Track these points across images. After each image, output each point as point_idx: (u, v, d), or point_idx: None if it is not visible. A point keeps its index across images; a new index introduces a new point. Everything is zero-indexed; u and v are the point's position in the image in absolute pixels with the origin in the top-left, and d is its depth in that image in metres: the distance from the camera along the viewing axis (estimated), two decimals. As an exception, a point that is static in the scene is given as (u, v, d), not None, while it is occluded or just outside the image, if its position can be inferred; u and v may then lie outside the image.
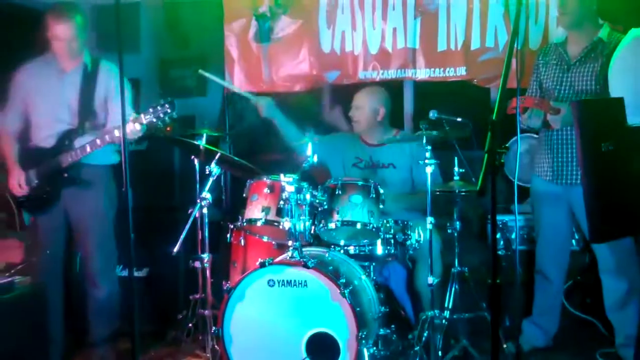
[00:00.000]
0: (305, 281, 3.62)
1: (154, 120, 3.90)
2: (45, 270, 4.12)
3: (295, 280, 3.63)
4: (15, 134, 4.23)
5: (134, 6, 5.99)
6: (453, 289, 4.11)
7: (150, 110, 3.91)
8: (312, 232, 3.98)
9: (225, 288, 3.88)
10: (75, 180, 4.10)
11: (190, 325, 4.31)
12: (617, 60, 3.54)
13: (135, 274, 4.79)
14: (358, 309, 3.58)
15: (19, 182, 4.09)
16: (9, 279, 3.35)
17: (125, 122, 3.19)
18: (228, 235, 4.38)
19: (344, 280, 3.64)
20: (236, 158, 4.38)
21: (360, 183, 4.00)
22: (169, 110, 3.91)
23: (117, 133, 3.96)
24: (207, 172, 4.17)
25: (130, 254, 2.99)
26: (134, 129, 3.97)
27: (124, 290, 4.41)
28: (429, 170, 3.96)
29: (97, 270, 4.22)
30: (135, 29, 6.04)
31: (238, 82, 5.44)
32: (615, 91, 3.47)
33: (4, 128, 4.22)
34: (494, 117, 2.65)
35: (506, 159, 2.76)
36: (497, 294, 2.61)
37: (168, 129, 4.70)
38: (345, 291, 3.53)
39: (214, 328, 3.82)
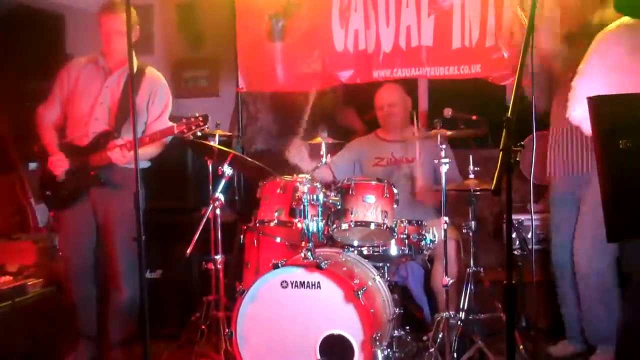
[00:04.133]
0: (319, 282, 3.58)
1: (185, 131, 3.89)
2: (74, 266, 4.13)
3: (308, 282, 3.59)
4: (55, 126, 4.26)
5: (147, 8, 5.98)
6: (468, 289, 4.06)
7: (184, 121, 3.90)
8: (325, 232, 3.94)
9: (238, 289, 3.86)
10: (101, 180, 4.11)
11: (203, 326, 4.28)
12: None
13: (149, 275, 4.79)
14: (372, 310, 3.54)
15: (58, 159, 4.09)
16: (22, 282, 3.33)
17: (136, 121, 3.17)
18: (241, 236, 4.35)
19: (357, 281, 3.59)
20: (249, 159, 4.34)
21: (373, 182, 3.96)
22: (201, 124, 3.90)
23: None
24: (220, 173, 4.14)
25: (141, 255, 2.98)
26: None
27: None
28: (444, 168, 3.92)
29: (121, 273, 4.20)
30: (149, 30, 6.03)
31: (251, 81, 5.40)
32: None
33: (46, 118, 4.25)
34: (509, 115, 2.61)
35: (522, 157, 2.71)
36: (512, 294, 2.56)
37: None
38: (359, 292, 3.49)
39: (227, 330, 3.80)
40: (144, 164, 4.30)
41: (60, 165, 4.10)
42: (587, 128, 3.35)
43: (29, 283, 3.38)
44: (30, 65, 4.88)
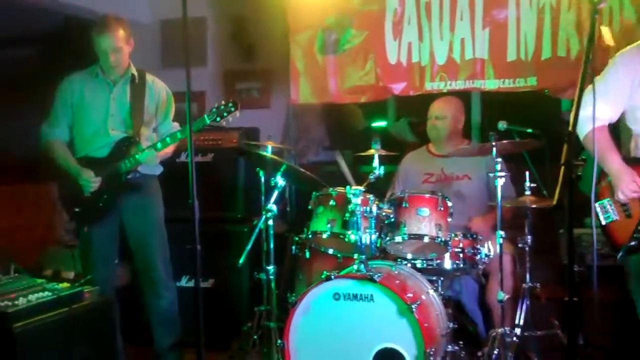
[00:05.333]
0: (372, 295, 3.56)
1: (217, 119, 3.97)
2: (101, 280, 4.14)
3: (361, 294, 3.57)
4: (65, 143, 4.26)
5: (200, 20, 6.05)
6: (524, 305, 3.99)
7: (214, 110, 3.98)
8: (378, 245, 3.92)
9: (290, 300, 3.86)
10: (135, 186, 4.15)
11: (255, 337, 4.29)
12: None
13: (201, 285, 4.81)
14: (426, 324, 3.50)
15: (89, 177, 4.09)
16: (79, 289, 3.37)
17: (191, 132, 3.20)
18: (293, 247, 4.35)
19: (411, 295, 3.57)
20: (302, 170, 4.35)
21: (427, 195, 3.92)
22: (232, 109, 3.97)
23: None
24: (273, 184, 4.15)
25: (196, 265, 2.99)
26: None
27: (189, 301, 4.44)
28: (500, 182, 3.86)
29: (159, 280, 4.26)
30: (202, 42, 6.10)
31: (304, 93, 5.42)
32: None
33: (57, 139, 4.24)
34: (570, 128, 2.56)
35: (584, 172, 2.66)
36: (574, 311, 2.50)
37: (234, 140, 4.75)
38: (413, 306, 3.45)
39: (279, 341, 3.79)
40: (159, 169, 4.36)
41: (94, 183, 4.10)
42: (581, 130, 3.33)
43: (85, 290, 3.40)
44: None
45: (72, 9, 5.29)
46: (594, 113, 2.85)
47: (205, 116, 3.98)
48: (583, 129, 3.34)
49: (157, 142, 4.09)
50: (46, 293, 3.25)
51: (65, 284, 3.43)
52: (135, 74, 4.26)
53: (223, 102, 3.98)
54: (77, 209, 4.19)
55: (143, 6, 6.04)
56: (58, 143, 4.23)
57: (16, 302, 3.08)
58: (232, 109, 3.97)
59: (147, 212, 4.27)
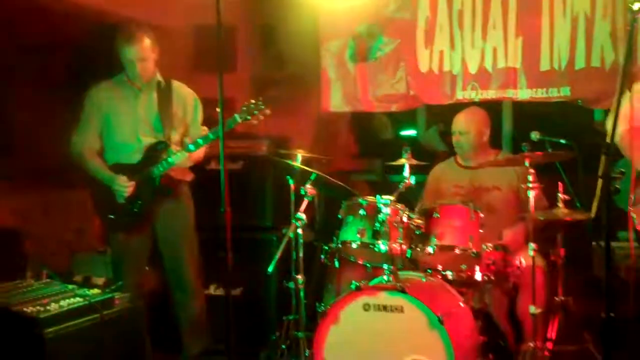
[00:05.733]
0: (402, 307, 3.52)
1: (248, 117, 3.99)
2: (132, 286, 4.15)
3: (391, 306, 3.54)
4: (96, 151, 4.26)
5: (231, 27, 6.06)
6: (556, 319, 3.93)
7: (244, 108, 4.01)
8: (408, 255, 3.88)
9: (319, 310, 3.84)
10: (168, 190, 4.16)
11: (283, 346, 4.27)
12: None
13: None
14: (456, 337, 3.46)
15: (122, 182, 4.10)
16: (109, 295, 3.37)
17: (223, 139, 3.21)
18: (321, 256, 4.33)
19: (441, 307, 3.52)
20: (332, 179, 4.33)
21: (459, 206, 3.88)
22: (261, 107, 4.01)
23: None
24: (302, 193, 4.14)
25: (227, 273, 2.99)
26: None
27: (217, 309, 4.45)
28: (532, 194, 3.81)
29: (189, 287, 4.27)
30: (232, 50, 6.11)
31: (334, 102, 5.41)
32: None
33: (88, 148, 4.24)
34: (608, 140, 2.52)
35: (622, 186, 2.61)
36: (611, 327, 2.46)
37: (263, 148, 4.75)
38: (443, 318, 3.42)
39: (307, 350, 3.77)
40: (189, 176, 4.37)
41: (127, 188, 4.11)
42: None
43: (116, 296, 3.40)
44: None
45: (105, 15, 5.32)
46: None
47: (236, 115, 3.99)
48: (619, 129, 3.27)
49: (189, 144, 4.10)
50: (77, 299, 3.26)
51: (96, 290, 3.44)
52: (162, 80, 4.28)
53: (253, 101, 3.99)
54: (111, 216, 4.21)
55: (177, 11, 6.06)
56: (89, 152, 4.24)
57: (48, 308, 3.10)
58: (262, 106, 3.99)
59: (179, 218, 4.28)
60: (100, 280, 4.79)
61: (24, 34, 5.18)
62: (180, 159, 4.10)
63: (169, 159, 4.10)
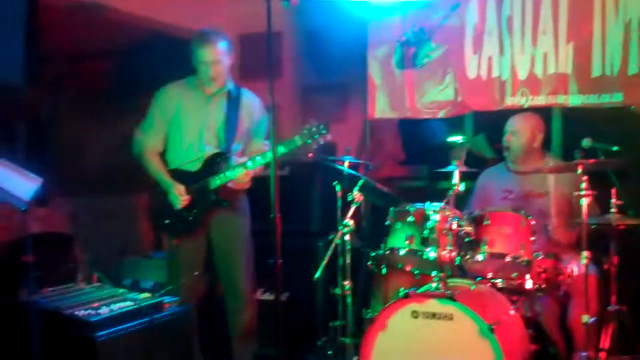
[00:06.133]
0: (452, 314, 3.49)
1: (308, 141, 3.94)
2: (184, 291, 4.15)
3: (440, 313, 3.51)
4: (157, 152, 4.27)
5: (276, 34, 6.07)
6: (609, 328, 3.85)
7: (305, 131, 3.95)
8: (457, 263, 3.84)
9: (367, 317, 3.82)
10: (224, 202, 4.14)
11: (330, 352, 4.26)
12: None
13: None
14: (507, 345, 3.40)
15: (179, 193, 4.10)
16: (159, 299, 3.40)
17: (275, 146, 3.21)
18: (369, 263, 4.30)
19: (492, 315, 3.48)
20: (379, 185, 4.30)
21: (510, 213, 3.83)
22: (323, 131, 3.96)
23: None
24: (350, 199, 4.12)
25: (276, 279, 2.99)
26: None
27: (264, 314, 4.46)
28: (585, 201, 3.74)
29: (242, 295, 4.26)
30: (277, 56, 6.13)
31: (380, 108, 5.39)
32: None
33: (150, 148, 4.26)
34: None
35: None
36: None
37: (310, 155, 4.74)
38: (493, 326, 3.37)
39: (354, 357, 3.75)
40: (248, 184, 4.33)
41: (184, 199, 4.11)
42: None
43: (165, 301, 3.42)
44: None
45: (155, 23, 5.39)
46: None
47: (297, 137, 3.96)
48: None
49: (247, 161, 4.08)
50: (127, 302, 3.29)
51: (146, 294, 3.47)
52: (233, 88, 4.27)
53: (315, 124, 3.94)
54: (166, 221, 4.21)
55: (222, 21, 6.11)
56: (152, 153, 4.25)
57: (99, 311, 3.13)
58: (324, 131, 3.95)
59: (234, 227, 4.28)
60: (147, 284, 4.87)
61: (72, 42, 5.27)
62: (238, 175, 4.08)
63: (227, 173, 4.09)
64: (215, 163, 4.15)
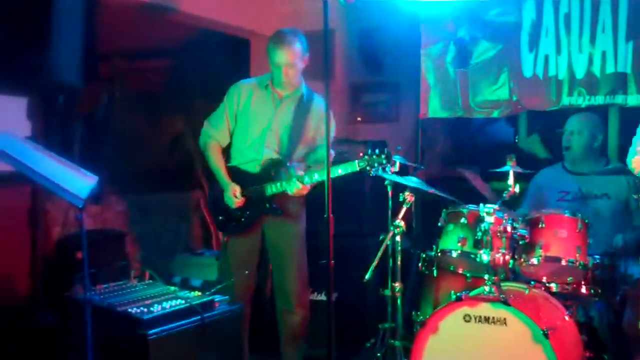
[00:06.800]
0: (505, 319, 3.42)
1: (367, 168, 3.84)
2: (238, 288, 4.12)
3: (493, 317, 3.44)
4: (221, 147, 4.24)
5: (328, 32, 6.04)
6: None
7: (366, 158, 3.82)
8: (510, 266, 3.77)
9: (416, 319, 3.77)
10: (277, 211, 4.09)
11: (379, 354, 4.22)
12: None
13: (324, 298, 4.80)
14: (561, 351, 3.32)
15: (234, 194, 4.07)
16: (210, 298, 3.40)
17: (329, 147, 3.17)
18: (419, 264, 4.25)
19: (546, 320, 3.40)
20: (431, 187, 4.24)
21: (566, 216, 3.74)
22: (384, 163, 3.79)
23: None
24: (401, 200, 4.07)
25: (329, 280, 2.98)
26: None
27: (317, 314, 4.46)
28: (645, 204, 3.65)
29: (294, 297, 4.22)
30: (329, 54, 6.10)
31: (433, 107, 5.34)
32: None
33: (216, 142, 4.22)
34: None
35: None
36: None
37: (360, 154, 4.70)
38: (548, 332, 3.29)
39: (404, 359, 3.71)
40: (307, 190, 4.23)
41: (237, 199, 4.06)
42: None
43: (216, 299, 3.43)
44: (217, 88, 5.08)
45: (210, 22, 5.41)
46: None
47: (356, 162, 3.84)
48: None
49: (304, 176, 3.97)
50: (179, 301, 3.29)
51: (197, 293, 3.47)
52: (305, 93, 4.18)
53: (377, 152, 3.80)
54: (221, 218, 4.21)
55: (274, 20, 6.11)
56: (216, 146, 4.22)
57: (151, 309, 3.14)
58: (384, 161, 3.79)
59: (289, 232, 4.21)
60: (197, 282, 4.89)
61: (128, 40, 5.32)
62: (296, 189, 3.98)
63: (284, 183, 4.00)
64: (274, 170, 4.09)
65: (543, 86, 4.93)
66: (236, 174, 4.15)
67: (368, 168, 3.80)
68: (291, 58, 3.97)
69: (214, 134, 4.21)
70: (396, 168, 3.99)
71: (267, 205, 4.07)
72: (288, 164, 4.11)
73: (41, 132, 3.32)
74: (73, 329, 3.00)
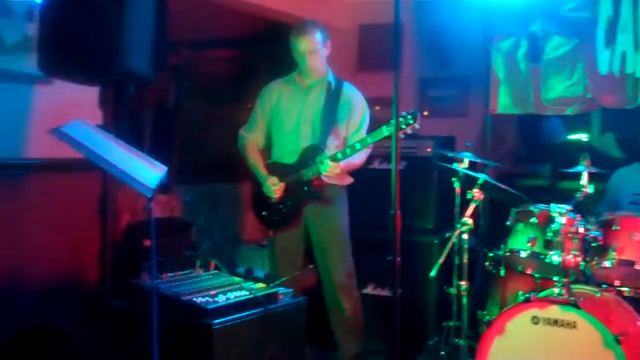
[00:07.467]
0: (575, 322, 3.33)
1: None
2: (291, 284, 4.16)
3: (563, 320, 3.36)
4: (259, 147, 4.36)
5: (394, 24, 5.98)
6: None
7: (393, 122, 3.81)
8: (582, 268, 3.66)
9: (482, 319, 3.70)
10: (315, 195, 4.14)
11: (442, 353, 4.16)
12: None
13: (386, 293, 4.77)
14: (633, 358, 3.22)
15: (273, 184, 4.16)
16: (273, 290, 3.40)
17: (396, 137, 3.14)
18: (486, 263, 4.17)
19: (618, 325, 3.30)
20: (501, 184, 4.15)
21: (643, 218, 3.62)
22: (410, 122, 3.83)
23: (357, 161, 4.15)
24: (469, 197, 4.00)
25: (395, 276, 2.95)
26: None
27: (374, 308, 4.42)
28: None
29: (340, 290, 4.23)
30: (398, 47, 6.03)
31: (503, 103, 5.23)
32: None
33: (250, 140, 4.35)
34: None
35: None
36: None
37: (428, 149, 4.65)
38: (620, 337, 3.19)
39: (469, 359, 3.65)
40: (347, 180, 4.31)
41: (276, 189, 4.15)
42: None
43: (280, 291, 3.42)
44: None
45: (272, 12, 5.42)
46: None
47: (384, 128, 3.88)
48: None
49: (337, 152, 4.05)
50: (243, 292, 3.30)
51: (261, 284, 3.48)
52: (332, 81, 4.26)
53: (403, 113, 3.83)
54: (264, 213, 4.29)
55: (342, 11, 6.08)
56: (252, 147, 4.35)
57: (216, 299, 3.15)
58: (411, 121, 3.83)
59: (330, 221, 4.25)
60: (260, 274, 4.91)
61: (196, 30, 5.36)
62: (329, 167, 4.02)
63: (320, 165, 4.06)
64: (310, 155, 4.15)
65: (619, 84, 4.79)
66: (276, 168, 4.25)
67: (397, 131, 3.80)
68: (312, 45, 4.10)
69: (249, 136, 4.37)
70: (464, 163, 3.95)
71: (306, 188, 4.14)
72: (323, 148, 4.14)
73: (112, 121, 3.36)
74: (139, 315, 3.03)
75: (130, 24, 3.13)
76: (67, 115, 2.85)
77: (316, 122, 4.21)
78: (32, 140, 3.75)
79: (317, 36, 4.12)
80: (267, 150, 4.39)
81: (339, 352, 4.34)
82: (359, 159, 4.20)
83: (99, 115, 3.39)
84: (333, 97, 4.23)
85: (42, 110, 3.77)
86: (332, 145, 4.19)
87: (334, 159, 4.02)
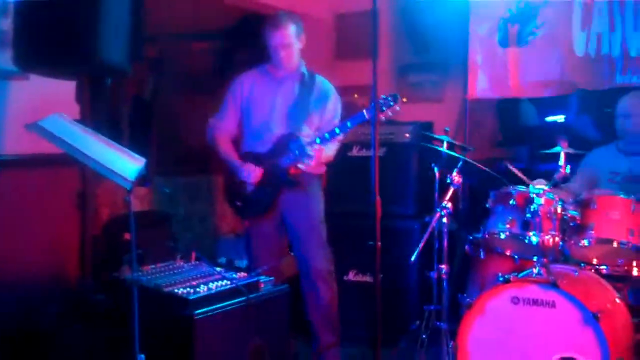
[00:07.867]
0: (554, 301, 3.35)
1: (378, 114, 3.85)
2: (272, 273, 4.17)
3: (542, 300, 3.38)
4: (231, 137, 4.34)
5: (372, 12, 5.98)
6: None
7: (373, 104, 3.84)
8: (560, 248, 3.69)
9: (462, 302, 3.72)
10: (292, 182, 4.14)
11: (424, 336, 4.18)
12: None
13: (367, 279, 4.79)
14: (612, 335, 3.25)
15: (249, 169, 4.15)
16: (255, 279, 3.41)
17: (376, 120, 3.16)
18: (466, 246, 4.20)
19: (596, 303, 3.33)
20: (481, 166, 4.17)
21: (620, 197, 3.65)
22: (391, 104, 3.86)
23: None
24: (448, 181, 4.02)
25: (376, 262, 2.96)
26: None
27: (354, 295, 4.42)
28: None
29: (317, 277, 4.24)
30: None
31: (481, 87, 5.25)
32: None
33: (222, 130, 4.33)
34: None
35: None
36: None
37: (406, 135, 4.66)
38: (598, 315, 3.23)
39: (450, 342, 3.67)
40: (321, 168, 4.32)
41: (254, 174, 4.15)
42: None
43: (261, 280, 3.43)
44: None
45: (250, 3, 5.41)
46: None
47: (364, 111, 3.90)
48: None
49: (315, 138, 4.06)
50: (225, 282, 3.30)
51: (242, 274, 3.48)
52: (306, 73, 4.27)
53: (383, 96, 3.86)
54: (238, 203, 4.28)
55: (319, 0, 6.08)
56: (223, 137, 4.33)
57: (197, 290, 3.16)
58: (392, 103, 3.86)
59: (306, 209, 4.25)
60: (241, 264, 4.92)
61: (173, 21, 5.34)
62: (307, 155, 4.04)
63: (297, 152, 4.07)
64: (284, 143, 4.15)
65: (595, 65, 4.82)
66: (251, 158, 4.23)
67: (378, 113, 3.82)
68: (286, 38, 4.11)
69: (220, 125, 4.34)
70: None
71: (283, 176, 4.14)
72: (298, 136, 4.14)
73: (89, 114, 3.36)
74: (121, 309, 3.03)
75: (106, 16, 3.12)
76: (45, 110, 2.83)
77: (290, 111, 4.22)
78: (9, 136, 3.73)
79: (291, 29, 4.11)
80: (236, 144, 4.36)
81: (316, 343, 4.35)
82: (331, 150, 4.22)
83: (77, 109, 3.38)
84: (306, 88, 4.24)
85: (18, 106, 3.75)
86: (306, 134, 4.19)
87: (312, 144, 4.04)
